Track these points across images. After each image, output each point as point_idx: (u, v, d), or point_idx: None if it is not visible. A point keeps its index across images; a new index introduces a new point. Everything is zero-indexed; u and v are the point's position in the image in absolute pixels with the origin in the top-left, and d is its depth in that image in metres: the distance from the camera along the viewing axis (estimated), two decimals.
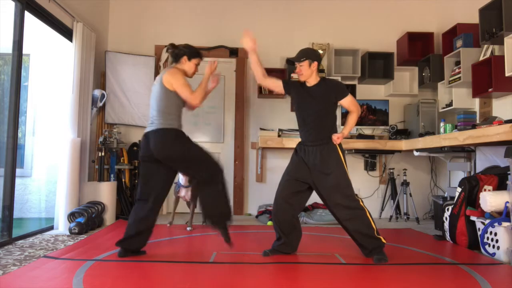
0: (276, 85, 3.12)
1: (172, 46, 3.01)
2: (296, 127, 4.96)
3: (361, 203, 2.94)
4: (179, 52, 2.98)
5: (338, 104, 3.04)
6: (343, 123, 5.25)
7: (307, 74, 2.99)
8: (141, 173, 2.96)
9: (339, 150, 2.98)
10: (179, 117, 2.93)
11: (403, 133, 5.11)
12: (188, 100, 2.87)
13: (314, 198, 5.16)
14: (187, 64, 2.98)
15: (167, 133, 2.82)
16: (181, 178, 4.01)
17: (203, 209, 2.93)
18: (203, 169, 2.86)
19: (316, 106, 2.99)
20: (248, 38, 3.00)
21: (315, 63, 2.98)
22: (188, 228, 4.07)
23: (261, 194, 5.27)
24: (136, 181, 5.01)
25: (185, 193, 4.03)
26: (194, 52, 3.00)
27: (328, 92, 2.99)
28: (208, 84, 3.04)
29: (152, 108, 2.90)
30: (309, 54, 2.99)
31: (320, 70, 5.28)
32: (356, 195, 2.97)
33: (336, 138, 2.94)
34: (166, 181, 2.92)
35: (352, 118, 3.05)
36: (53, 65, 4.93)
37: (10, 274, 2.41)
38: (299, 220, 3.15)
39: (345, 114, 5.25)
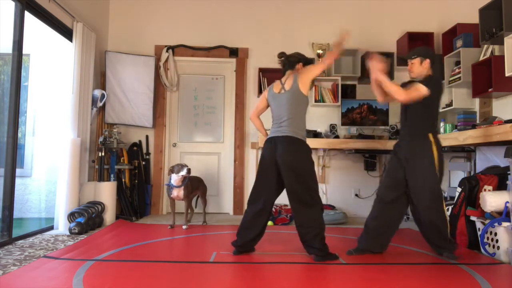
0: (422, 90, 2.97)
1: (284, 54, 3.13)
2: None
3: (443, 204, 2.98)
4: (294, 59, 3.09)
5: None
6: (343, 123, 5.25)
7: (418, 71, 3.02)
8: (257, 176, 3.05)
9: (434, 148, 2.92)
10: (305, 124, 3.04)
11: None
12: (322, 68, 3.01)
13: None
14: (301, 71, 3.05)
15: (300, 144, 2.92)
16: (173, 179, 4.03)
17: (299, 229, 2.95)
18: (312, 192, 2.90)
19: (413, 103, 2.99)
20: (375, 62, 3.01)
21: (427, 60, 3.00)
22: (184, 227, 4.08)
23: None
24: (136, 181, 5.02)
25: (177, 192, 4.06)
26: (307, 59, 3.14)
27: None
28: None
29: (281, 115, 2.98)
30: (421, 52, 3.01)
31: None
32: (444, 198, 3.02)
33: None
34: (277, 188, 3.00)
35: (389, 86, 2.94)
36: (53, 65, 4.93)
37: (10, 274, 2.41)
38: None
39: (344, 113, 5.25)
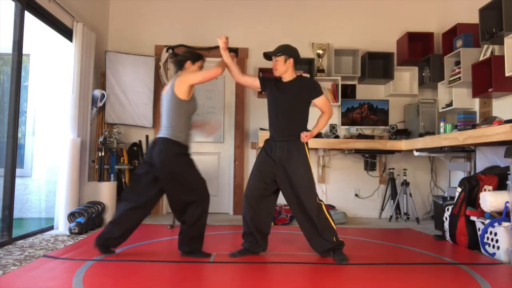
0: (254, 83, 3.14)
1: (174, 54, 3.05)
2: None
3: (323, 206, 2.91)
4: (181, 58, 3.02)
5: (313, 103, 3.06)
6: (344, 123, 5.26)
7: (282, 70, 3.00)
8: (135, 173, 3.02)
9: (306, 149, 2.97)
10: (187, 128, 2.96)
11: (403, 133, 5.11)
12: (209, 77, 2.92)
13: None
14: (191, 68, 3.01)
15: (172, 146, 2.87)
16: None
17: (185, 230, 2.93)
18: (188, 197, 2.86)
19: (288, 102, 3.00)
20: (221, 39, 3.06)
21: (291, 59, 2.99)
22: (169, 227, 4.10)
23: None
24: None
25: None
26: (196, 56, 3.06)
27: (302, 89, 3.00)
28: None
29: (163, 116, 2.97)
30: (286, 50, 3.00)
31: (320, 70, 5.31)
32: (319, 198, 2.93)
33: (304, 136, 2.93)
34: (155, 190, 2.93)
35: (323, 119, 3.06)
36: (53, 65, 4.92)
37: (10, 274, 2.41)
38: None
39: (345, 113, 5.26)
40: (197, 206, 2.85)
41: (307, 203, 2.88)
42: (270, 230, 3.08)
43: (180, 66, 3.02)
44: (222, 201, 5.41)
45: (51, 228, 4.03)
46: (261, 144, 4.75)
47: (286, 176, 2.92)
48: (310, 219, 2.90)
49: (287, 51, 3.00)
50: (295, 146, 2.94)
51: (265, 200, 3.02)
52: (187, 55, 3.03)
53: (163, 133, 2.90)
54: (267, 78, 3.16)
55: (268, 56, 3.07)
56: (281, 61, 2.98)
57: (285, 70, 3.01)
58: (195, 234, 2.89)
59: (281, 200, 3.13)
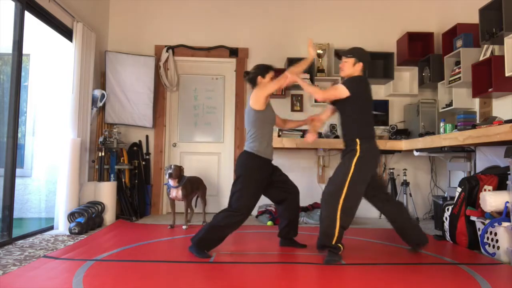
0: (341, 90, 2.93)
1: (246, 73, 3.20)
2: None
3: (337, 212, 2.80)
4: (252, 75, 3.13)
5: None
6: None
7: (348, 72, 2.99)
8: None
9: (355, 157, 2.84)
10: (263, 137, 3.03)
11: (403, 133, 5.10)
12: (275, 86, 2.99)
13: (315, 198, 5.20)
14: (263, 82, 3.09)
15: (244, 154, 3.05)
16: (170, 180, 4.03)
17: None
18: (233, 195, 2.97)
19: (340, 106, 3.03)
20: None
21: (360, 64, 2.98)
22: (184, 227, 4.08)
23: None
24: (136, 181, 5.02)
25: (175, 193, 4.07)
26: (265, 69, 3.13)
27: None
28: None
29: (246, 130, 3.17)
30: (357, 53, 2.99)
31: (320, 70, 5.31)
32: (341, 205, 2.81)
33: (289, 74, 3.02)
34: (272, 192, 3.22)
35: (312, 88, 3.13)
36: (53, 65, 4.93)
37: (10, 274, 2.41)
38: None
39: None
40: (228, 213, 2.93)
41: (324, 198, 2.88)
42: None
43: (253, 83, 3.13)
44: (222, 201, 5.40)
45: (51, 228, 4.03)
46: None
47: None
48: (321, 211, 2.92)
49: (358, 54, 2.98)
50: (346, 150, 2.95)
51: None
52: (256, 71, 3.12)
53: (245, 146, 3.08)
54: None
55: (338, 55, 3.08)
56: (350, 63, 2.97)
57: (351, 73, 2.99)
58: (208, 236, 2.92)
59: None
